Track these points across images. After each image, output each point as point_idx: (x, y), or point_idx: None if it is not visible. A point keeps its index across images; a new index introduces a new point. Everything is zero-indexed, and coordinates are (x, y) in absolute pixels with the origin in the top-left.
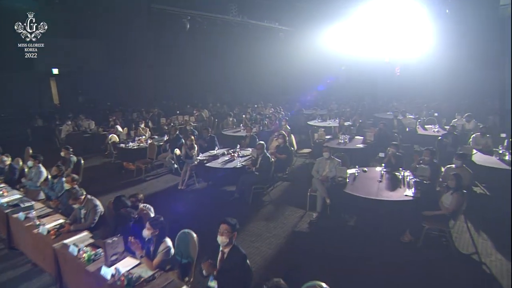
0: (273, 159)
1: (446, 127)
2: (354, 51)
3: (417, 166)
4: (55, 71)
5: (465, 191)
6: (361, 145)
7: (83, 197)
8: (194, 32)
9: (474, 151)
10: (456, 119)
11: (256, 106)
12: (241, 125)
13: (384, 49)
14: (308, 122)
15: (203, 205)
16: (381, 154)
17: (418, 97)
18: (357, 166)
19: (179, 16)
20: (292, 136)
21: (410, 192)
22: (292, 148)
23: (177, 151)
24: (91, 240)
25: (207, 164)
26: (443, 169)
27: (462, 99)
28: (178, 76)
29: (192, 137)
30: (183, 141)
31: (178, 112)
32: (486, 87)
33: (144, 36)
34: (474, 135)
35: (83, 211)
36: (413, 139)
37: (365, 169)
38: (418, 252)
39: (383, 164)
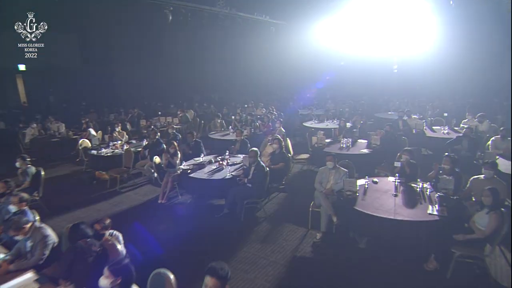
0: (267, 169)
1: (455, 128)
2: (350, 46)
3: (440, 176)
4: (22, 67)
5: (503, 209)
6: (365, 150)
7: (28, 225)
8: (178, 25)
9: (497, 157)
10: (466, 119)
11: (246, 106)
12: (230, 127)
13: (382, 44)
14: (304, 124)
15: (186, 223)
16: (397, 164)
17: (419, 95)
18: (366, 177)
19: (160, 7)
20: (288, 140)
21: (434, 210)
22: (289, 155)
23: (157, 159)
24: (35, 286)
25: (192, 175)
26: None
27: (466, 98)
28: (161, 74)
29: (175, 143)
30: (164, 146)
31: (159, 113)
32: (493, 84)
33: (123, 30)
34: (493, 138)
35: (29, 244)
36: (421, 142)
37: (376, 179)
38: (446, 282)
39: (396, 174)
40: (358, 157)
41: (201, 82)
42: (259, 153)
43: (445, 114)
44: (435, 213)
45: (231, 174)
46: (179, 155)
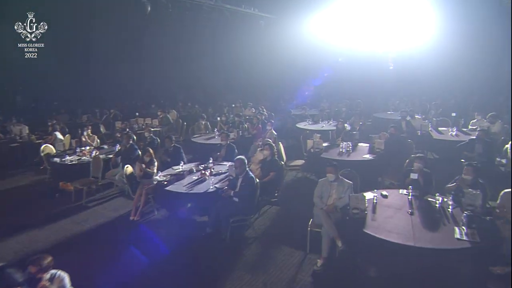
0: (257, 180)
1: (463, 129)
2: (345, 42)
3: (465, 190)
4: None
5: None
6: (368, 156)
7: None
8: (160, 19)
9: None
10: (475, 120)
11: (233, 105)
12: (216, 129)
13: (378, 39)
14: (297, 125)
15: (161, 245)
16: (414, 176)
17: (419, 94)
18: (375, 190)
19: None
20: (281, 145)
21: (462, 234)
22: (282, 162)
23: (129, 168)
24: None
25: (168, 188)
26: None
27: (469, 96)
28: (143, 71)
29: (150, 150)
30: (139, 153)
31: (137, 114)
32: (497, 82)
33: (100, 23)
34: None
35: None
36: (427, 145)
37: (385, 192)
38: None
39: (410, 187)
40: (361, 164)
41: (186, 80)
42: (246, 161)
43: (453, 114)
44: (465, 238)
45: (215, 187)
46: (155, 163)
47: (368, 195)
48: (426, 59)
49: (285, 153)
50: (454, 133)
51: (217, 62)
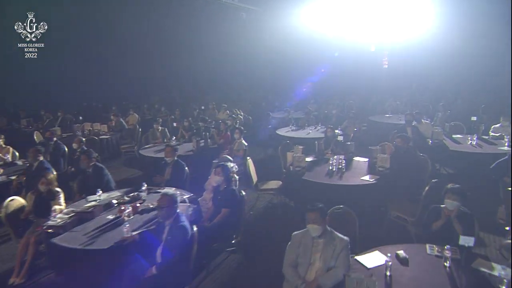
0: (195, 228)
1: (484, 137)
2: (334, 36)
3: None
4: None
5: None
6: (368, 178)
7: None
8: (130, 10)
9: None
10: (499, 125)
11: (202, 108)
12: (173, 138)
13: (371, 33)
14: (277, 131)
15: None
16: (469, 242)
17: (417, 93)
18: (388, 254)
19: None
20: (250, 161)
21: None
22: (243, 192)
23: (15, 201)
24: None
25: (56, 239)
26: None
27: (471, 92)
28: (108, 69)
29: (51, 175)
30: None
31: (81, 118)
32: (502, 80)
33: (62, 12)
34: None
35: None
36: (442, 159)
37: (403, 253)
38: None
39: (446, 248)
40: (360, 189)
41: (159, 79)
42: (177, 198)
43: (474, 118)
44: None
45: (130, 236)
46: (61, 196)
47: (376, 258)
48: (424, 55)
49: (260, 168)
50: (474, 142)
51: (195, 60)
